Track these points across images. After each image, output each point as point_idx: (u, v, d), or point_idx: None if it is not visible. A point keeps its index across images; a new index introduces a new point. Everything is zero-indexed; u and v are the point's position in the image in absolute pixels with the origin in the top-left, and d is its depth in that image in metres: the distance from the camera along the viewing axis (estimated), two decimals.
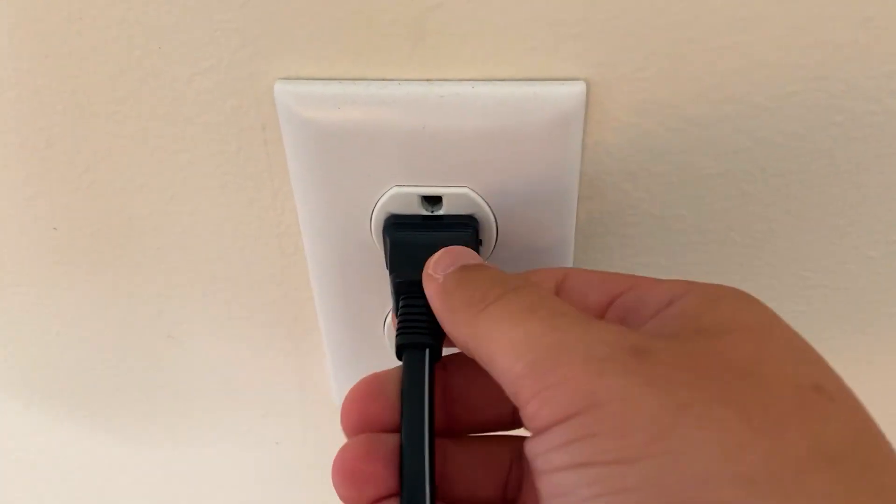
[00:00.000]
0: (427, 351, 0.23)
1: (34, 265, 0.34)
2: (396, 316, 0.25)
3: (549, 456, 0.18)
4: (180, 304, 0.35)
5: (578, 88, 0.27)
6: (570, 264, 0.31)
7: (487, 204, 0.29)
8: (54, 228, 0.33)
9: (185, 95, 0.28)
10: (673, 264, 0.31)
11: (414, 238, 0.24)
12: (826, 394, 0.18)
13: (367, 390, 0.24)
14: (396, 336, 0.24)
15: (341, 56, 0.27)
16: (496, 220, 0.29)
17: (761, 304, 0.20)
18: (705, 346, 0.18)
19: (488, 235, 0.30)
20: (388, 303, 0.32)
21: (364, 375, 0.35)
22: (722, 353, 0.18)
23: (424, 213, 0.27)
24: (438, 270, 0.23)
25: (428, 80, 0.27)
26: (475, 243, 0.24)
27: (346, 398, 0.24)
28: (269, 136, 0.29)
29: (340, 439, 0.40)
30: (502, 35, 0.26)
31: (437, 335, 0.24)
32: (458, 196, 0.29)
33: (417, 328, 0.24)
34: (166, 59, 0.27)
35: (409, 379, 0.23)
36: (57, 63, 0.28)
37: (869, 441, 0.17)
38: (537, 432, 0.18)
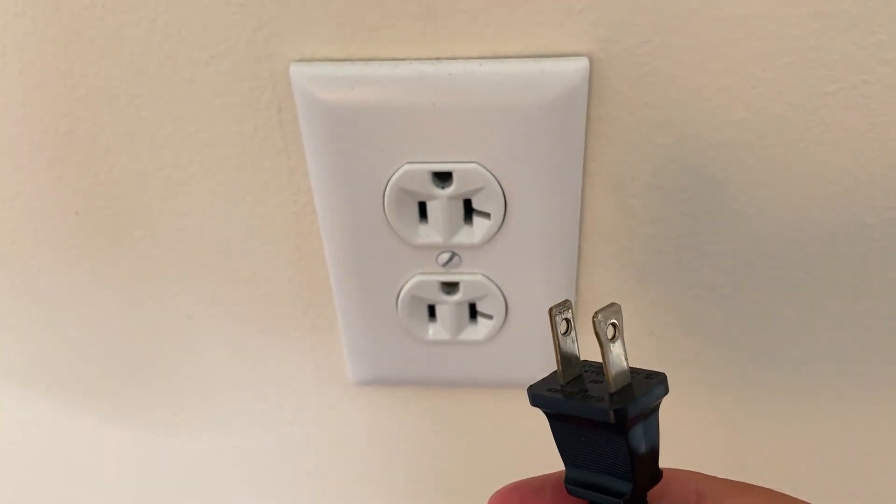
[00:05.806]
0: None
1: (56, 249, 0.35)
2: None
3: None
4: (198, 284, 0.35)
5: (582, 64, 0.28)
6: (576, 236, 0.32)
7: (496, 178, 0.30)
8: (76, 213, 0.33)
9: (203, 78, 0.29)
10: (676, 235, 0.32)
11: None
12: None
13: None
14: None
15: (354, 37, 0.28)
16: (504, 194, 0.30)
17: None
18: None
19: (497, 209, 0.31)
20: (401, 279, 0.33)
21: (379, 356, 0.36)
22: None
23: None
24: None
25: (438, 58, 0.28)
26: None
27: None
28: (285, 117, 0.30)
29: (354, 417, 0.41)
30: (509, 13, 0.27)
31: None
32: (467, 171, 0.30)
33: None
34: (185, 43, 0.28)
35: None
36: (79, 48, 0.29)
37: None
38: None
